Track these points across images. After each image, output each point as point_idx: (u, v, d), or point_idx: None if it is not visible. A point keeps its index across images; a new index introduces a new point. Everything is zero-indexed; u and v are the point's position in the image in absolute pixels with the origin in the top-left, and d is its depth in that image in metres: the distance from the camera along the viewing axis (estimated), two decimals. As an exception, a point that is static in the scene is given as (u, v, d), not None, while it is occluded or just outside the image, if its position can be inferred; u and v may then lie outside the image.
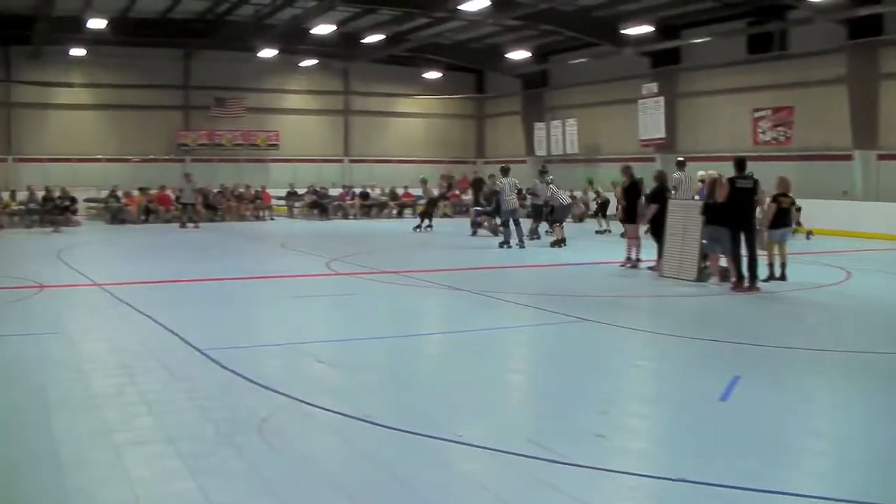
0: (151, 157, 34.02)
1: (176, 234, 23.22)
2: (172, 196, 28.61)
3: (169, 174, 32.15)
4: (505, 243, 18.17)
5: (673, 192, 15.66)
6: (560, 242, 18.37)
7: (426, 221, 24.82)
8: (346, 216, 31.09)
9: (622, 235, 17.25)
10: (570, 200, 19.98)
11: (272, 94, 35.97)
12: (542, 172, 19.90)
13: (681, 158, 18.77)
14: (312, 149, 36.87)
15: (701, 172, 14.15)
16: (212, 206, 29.55)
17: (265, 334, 8.98)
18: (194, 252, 18.06)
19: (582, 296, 11.61)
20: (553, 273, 14.63)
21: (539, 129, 35.71)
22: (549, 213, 19.28)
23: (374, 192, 32.82)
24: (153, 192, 29.18)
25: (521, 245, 18.04)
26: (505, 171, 18.94)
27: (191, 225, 26.34)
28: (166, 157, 34.20)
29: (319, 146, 37.07)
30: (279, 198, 32.29)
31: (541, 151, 35.26)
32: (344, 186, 33.43)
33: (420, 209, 27.90)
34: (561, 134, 34.47)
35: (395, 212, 31.90)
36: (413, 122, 38.75)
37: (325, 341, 8.44)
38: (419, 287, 12.19)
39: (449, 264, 15.43)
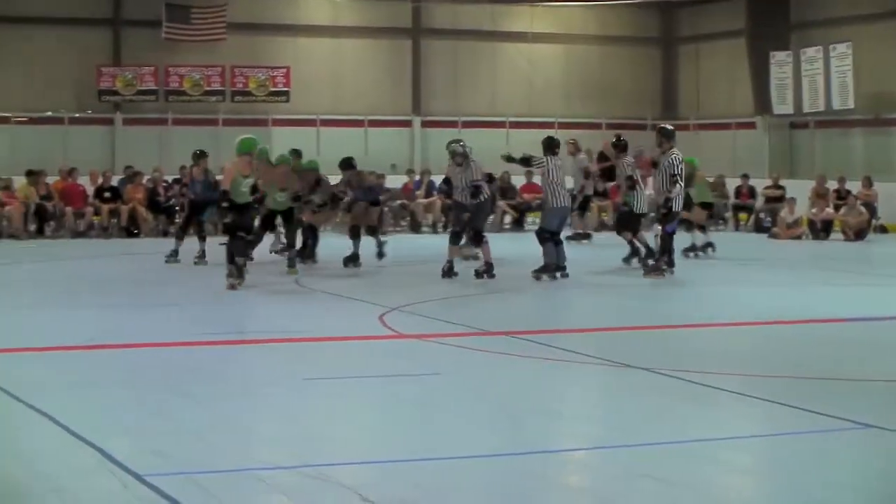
0: (49, 114, 31.16)
1: (103, 261, 22.25)
2: (91, 187, 27.00)
3: (83, 146, 29.70)
4: (547, 270, 17.86)
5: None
6: (485, 272, 17.83)
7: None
8: (415, 227, 29.03)
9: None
10: (489, 194, 19.08)
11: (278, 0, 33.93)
12: (455, 143, 18.46)
13: (669, 127, 19.18)
14: (352, 101, 33.81)
15: None
16: (161, 208, 27.96)
17: (261, 447, 7.92)
18: (137, 292, 17.03)
19: (861, 380, 10.42)
20: (796, 336, 13.49)
21: (780, 62, 32.56)
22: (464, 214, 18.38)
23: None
24: (53, 180, 27.07)
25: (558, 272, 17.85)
26: (550, 146, 18.02)
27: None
28: (78, 115, 31.47)
29: (366, 96, 34.05)
30: (290, 191, 28.18)
31: (783, 106, 32.35)
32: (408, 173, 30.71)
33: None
34: (822, 73, 31.47)
35: (507, 218, 29.09)
36: (543, 53, 35.61)
37: (373, 462, 7.53)
38: (547, 360, 11.43)
39: (601, 317, 15.13)
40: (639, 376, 10.56)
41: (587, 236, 22.66)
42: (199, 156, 20.26)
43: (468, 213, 18.17)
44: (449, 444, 7.94)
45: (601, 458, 7.79)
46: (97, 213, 26.64)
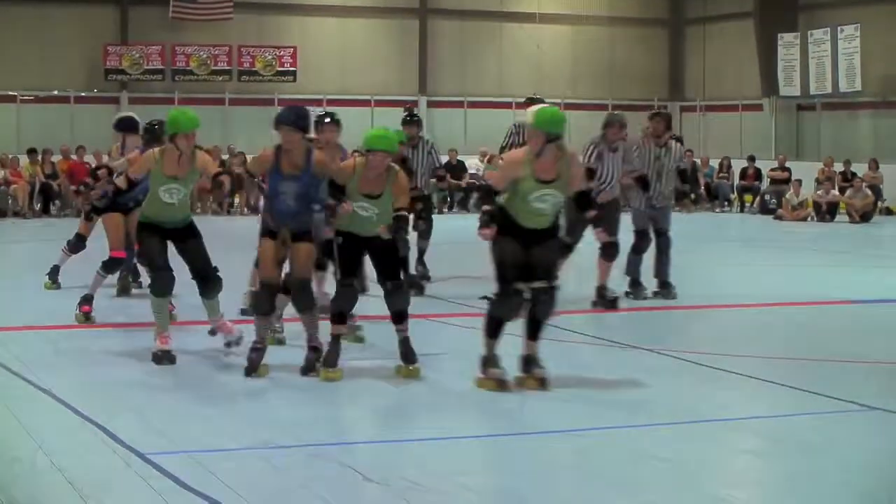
0: (55, 93, 31.17)
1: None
2: (95, 164, 25.29)
3: (87, 124, 29.06)
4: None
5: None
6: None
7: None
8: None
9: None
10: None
11: (285, -19, 34.19)
12: (411, 120, 14.25)
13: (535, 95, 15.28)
14: (358, 81, 33.66)
15: None
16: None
17: (264, 428, 7.75)
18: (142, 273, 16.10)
19: (866, 363, 10.30)
20: (801, 318, 13.22)
21: (787, 44, 32.45)
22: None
23: (475, 167, 29.95)
24: (57, 158, 27.06)
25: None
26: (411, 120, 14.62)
27: None
28: (83, 94, 31.49)
29: (373, 76, 33.82)
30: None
31: (790, 88, 32.38)
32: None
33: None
34: (829, 55, 31.32)
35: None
36: (550, 34, 35.46)
37: (374, 441, 7.66)
38: (551, 340, 10.10)
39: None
40: (644, 357, 10.49)
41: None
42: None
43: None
44: (452, 424, 7.88)
45: (607, 439, 7.72)
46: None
